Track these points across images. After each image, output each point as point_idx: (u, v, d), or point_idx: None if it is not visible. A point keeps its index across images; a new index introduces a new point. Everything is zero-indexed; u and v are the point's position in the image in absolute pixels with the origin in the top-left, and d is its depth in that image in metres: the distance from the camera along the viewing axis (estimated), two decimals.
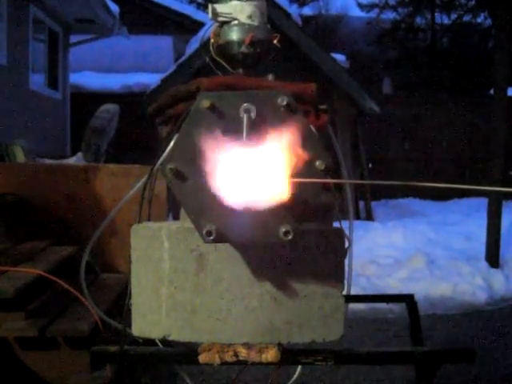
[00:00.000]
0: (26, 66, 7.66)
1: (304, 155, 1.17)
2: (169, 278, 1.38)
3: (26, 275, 2.96)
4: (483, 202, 7.08)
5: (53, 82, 8.84)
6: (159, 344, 1.48)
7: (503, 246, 6.30)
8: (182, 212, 1.45)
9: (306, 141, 1.19)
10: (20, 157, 5.07)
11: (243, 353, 1.36)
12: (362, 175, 9.46)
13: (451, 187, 1.12)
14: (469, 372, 3.51)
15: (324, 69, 8.51)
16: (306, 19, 19.68)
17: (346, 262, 1.44)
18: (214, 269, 1.37)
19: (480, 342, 4.19)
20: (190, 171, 1.19)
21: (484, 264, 6.06)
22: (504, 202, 6.44)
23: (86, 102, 8.91)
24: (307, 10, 22.93)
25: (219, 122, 1.20)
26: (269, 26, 1.59)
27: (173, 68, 8.80)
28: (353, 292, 1.62)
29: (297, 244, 1.32)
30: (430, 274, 5.76)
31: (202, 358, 1.36)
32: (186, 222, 1.36)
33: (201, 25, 10.97)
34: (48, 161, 5.25)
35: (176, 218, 1.58)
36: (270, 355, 1.35)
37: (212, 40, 1.58)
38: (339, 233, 1.40)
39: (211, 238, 1.18)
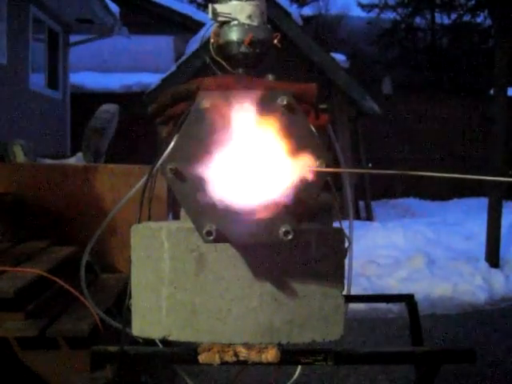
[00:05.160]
0: (25, 66, 7.66)
1: (304, 155, 1.17)
2: (169, 278, 1.38)
3: (25, 275, 2.96)
4: (483, 202, 7.08)
5: (53, 82, 8.84)
6: (159, 344, 1.48)
7: (503, 246, 6.30)
8: (182, 212, 1.45)
9: (306, 140, 1.19)
10: (20, 157, 5.07)
11: (243, 353, 1.36)
12: (361, 175, 9.46)
13: (452, 177, 1.12)
14: (469, 371, 3.51)
15: (324, 69, 8.51)
16: (306, 19, 19.68)
17: (346, 261, 1.44)
18: (214, 269, 1.37)
19: (480, 342, 4.18)
20: (190, 171, 1.19)
21: (484, 264, 6.06)
22: (504, 202, 6.44)
23: (86, 102, 8.90)
24: (307, 10, 22.95)
25: (219, 121, 1.19)
26: (269, 26, 1.59)
27: (173, 68, 8.79)
28: (353, 292, 1.62)
29: (297, 244, 1.32)
30: (430, 273, 5.76)
31: (202, 358, 1.36)
32: (186, 222, 1.36)
33: (201, 25, 10.96)
34: (48, 161, 5.25)
35: (176, 217, 1.58)
36: (270, 355, 1.35)
37: (212, 40, 1.58)
38: (339, 233, 1.40)
39: (211, 237, 1.18)
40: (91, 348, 1.43)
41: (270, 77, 1.49)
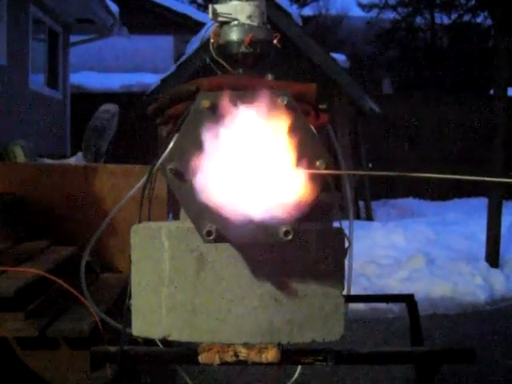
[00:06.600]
0: (25, 66, 7.65)
1: (304, 155, 1.17)
2: (169, 278, 1.38)
3: (26, 275, 2.95)
4: (483, 202, 7.08)
5: (53, 82, 8.83)
6: (159, 344, 1.48)
7: (503, 246, 6.30)
8: (182, 212, 1.45)
9: (306, 141, 1.19)
10: (20, 157, 5.08)
11: (243, 353, 1.36)
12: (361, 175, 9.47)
13: (452, 178, 1.13)
14: (468, 371, 3.51)
15: (324, 69, 8.51)
16: (306, 19, 19.69)
17: (346, 261, 1.44)
18: (214, 269, 1.37)
19: (480, 342, 4.18)
20: (190, 171, 1.19)
21: (484, 264, 6.06)
22: (504, 202, 6.44)
23: (86, 101, 8.91)
24: (307, 10, 22.98)
25: (219, 122, 1.19)
26: (269, 26, 1.59)
27: (173, 68, 8.80)
28: (353, 292, 1.62)
29: (297, 244, 1.32)
30: (430, 273, 5.76)
31: (202, 358, 1.36)
32: (186, 222, 1.36)
33: (201, 25, 10.97)
34: (48, 161, 5.25)
35: (176, 217, 1.58)
36: (270, 355, 1.35)
37: (212, 40, 1.58)
38: (339, 233, 1.40)
39: (211, 237, 1.18)
40: (91, 348, 1.43)
41: (270, 77, 1.49)
